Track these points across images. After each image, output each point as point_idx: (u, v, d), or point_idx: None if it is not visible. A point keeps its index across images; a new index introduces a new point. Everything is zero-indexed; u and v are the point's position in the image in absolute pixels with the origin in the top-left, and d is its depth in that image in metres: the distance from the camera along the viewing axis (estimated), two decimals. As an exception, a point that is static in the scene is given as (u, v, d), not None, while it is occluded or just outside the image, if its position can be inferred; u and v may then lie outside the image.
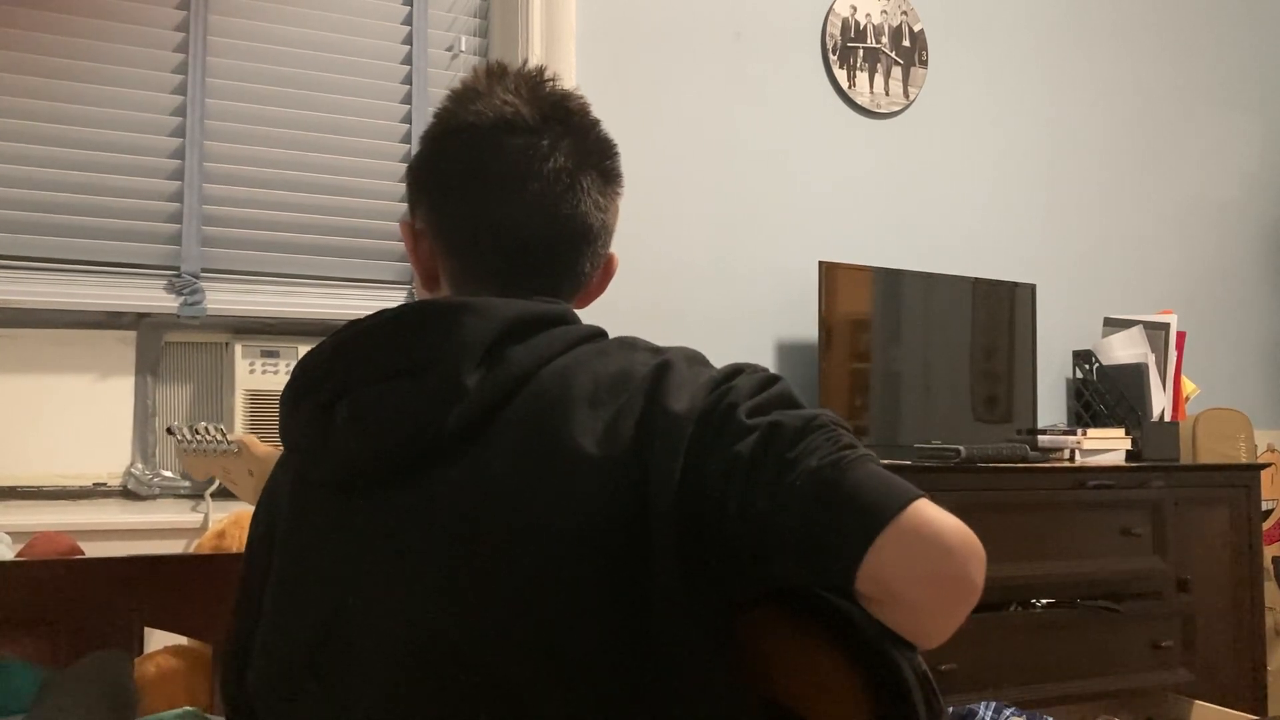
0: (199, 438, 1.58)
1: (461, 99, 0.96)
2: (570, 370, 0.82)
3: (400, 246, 2.45)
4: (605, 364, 0.83)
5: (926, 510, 0.71)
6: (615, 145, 0.99)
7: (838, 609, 0.80)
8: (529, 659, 0.76)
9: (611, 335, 0.91)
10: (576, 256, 0.95)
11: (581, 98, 0.98)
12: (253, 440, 1.51)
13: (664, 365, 0.82)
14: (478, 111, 0.94)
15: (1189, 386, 3.09)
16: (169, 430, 1.71)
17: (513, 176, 0.92)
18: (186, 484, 2.24)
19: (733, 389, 0.79)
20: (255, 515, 0.96)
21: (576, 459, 0.78)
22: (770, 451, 0.74)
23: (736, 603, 0.79)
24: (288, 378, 0.91)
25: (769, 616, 0.83)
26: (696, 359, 0.86)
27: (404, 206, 2.71)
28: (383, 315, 0.88)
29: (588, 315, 0.95)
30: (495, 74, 0.97)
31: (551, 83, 0.97)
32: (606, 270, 1.00)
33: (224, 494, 2.21)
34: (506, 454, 0.79)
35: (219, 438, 1.54)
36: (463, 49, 2.57)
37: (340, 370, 0.86)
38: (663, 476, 0.76)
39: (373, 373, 0.84)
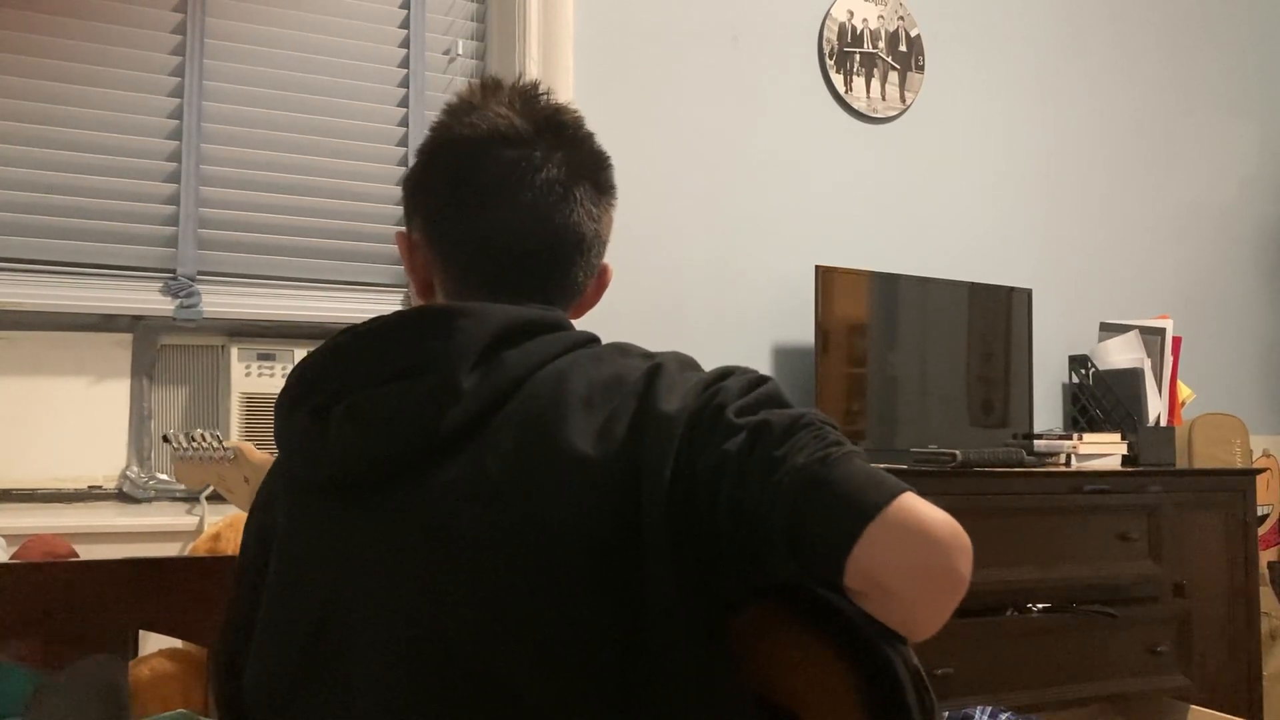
0: (195, 445, 1.58)
1: (456, 112, 0.97)
2: (565, 374, 0.83)
3: (396, 249, 2.45)
4: (599, 368, 0.84)
5: (913, 503, 0.72)
6: (609, 158, 1.00)
7: (830, 604, 0.81)
8: (524, 658, 0.76)
9: (609, 338, 0.92)
10: (570, 266, 0.96)
11: (575, 111, 1.00)
12: (249, 447, 1.52)
13: (656, 369, 0.83)
14: (472, 124, 0.95)
15: (1185, 391, 3.10)
16: (165, 438, 1.72)
17: (506, 187, 0.93)
18: (182, 487, 2.23)
19: (722, 389, 0.81)
20: (248, 522, 0.97)
21: (571, 459, 0.78)
22: (758, 449, 0.75)
23: (729, 600, 0.80)
24: (283, 383, 0.91)
25: (762, 613, 0.84)
26: (688, 363, 0.87)
27: (401, 209, 2.71)
28: (378, 320, 0.88)
29: (583, 321, 0.95)
30: (490, 88, 0.98)
31: (545, 96, 0.98)
32: (601, 281, 1.02)
33: (220, 497, 2.21)
34: (502, 454, 0.80)
35: (215, 444, 1.55)
36: (460, 53, 2.57)
37: (336, 374, 0.87)
38: (654, 476, 0.77)
39: (369, 376, 0.85)
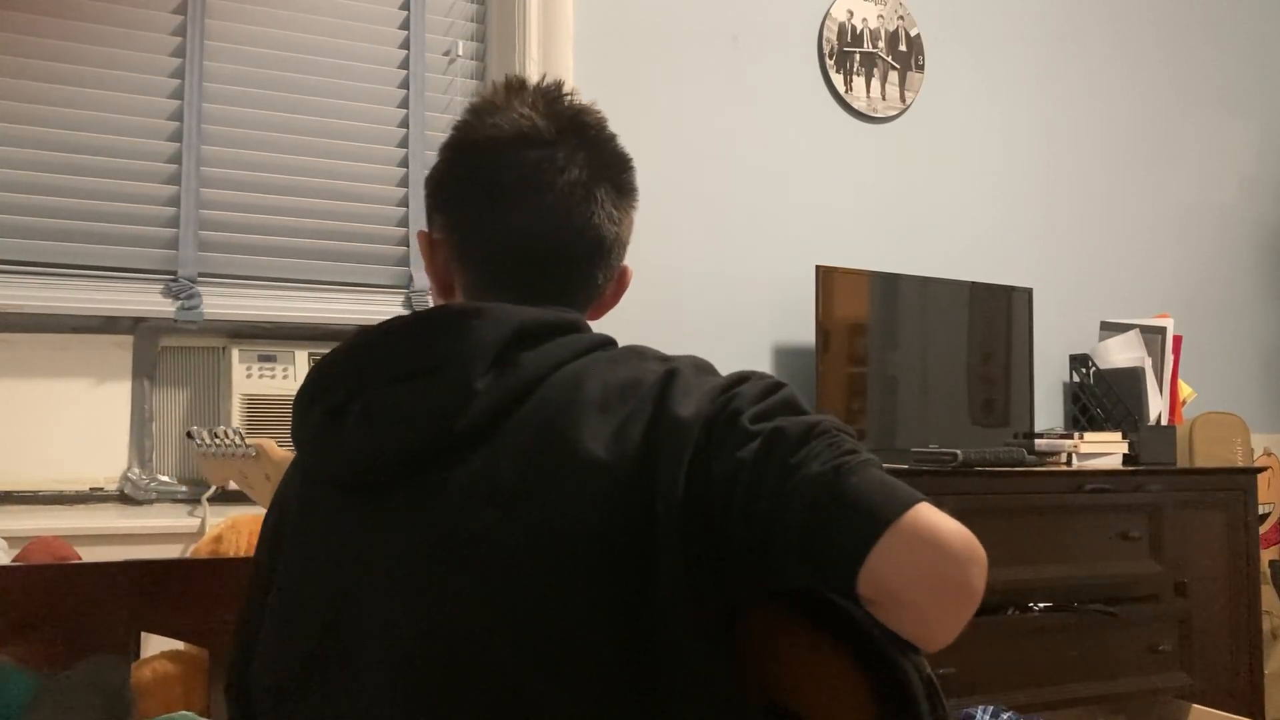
0: (218, 441, 1.58)
1: (480, 112, 0.97)
2: (580, 376, 0.83)
3: (397, 250, 2.45)
4: (615, 371, 0.84)
5: (927, 514, 0.71)
6: (631, 160, 1.00)
7: (843, 612, 0.80)
8: (533, 659, 0.76)
9: (611, 339, 0.92)
10: (590, 268, 0.96)
11: (599, 112, 0.99)
12: (271, 445, 1.52)
13: (672, 373, 0.83)
14: (495, 124, 0.95)
15: (1186, 390, 3.10)
16: (189, 434, 1.72)
17: (528, 188, 0.93)
18: (183, 489, 2.24)
19: (737, 395, 0.80)
20: (265, 520, 0.97)
21: (585, 462, 0.78)
22: (773, 456, 0.75)
23: (741, 606, 0.80)
24: (287, 384, 0.92)
25: (774, 620, 0.84)
26: (704, 368, 0.87)
27: (401, 211, 2.70)
28: (396, 320, 0.89)
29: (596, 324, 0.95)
30: (514, 88, 0.98)
31: (569, 97, 0.98)
32: (620, 282, 1.02)
33: (221, 498, 2.21)
34: (515, 456, 0.80)
35: (238, 441, 1.55)
36: (460, 54, 2.57)
37: (353, 373, 0.87)
38: (668, 480, 0.76)
39: (385, 375, 0.85)
